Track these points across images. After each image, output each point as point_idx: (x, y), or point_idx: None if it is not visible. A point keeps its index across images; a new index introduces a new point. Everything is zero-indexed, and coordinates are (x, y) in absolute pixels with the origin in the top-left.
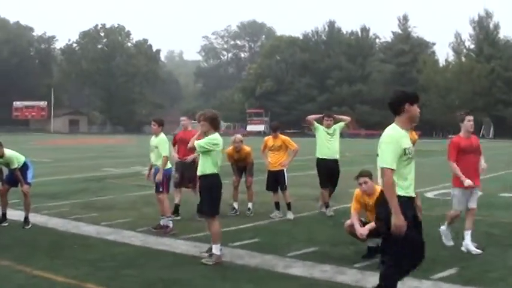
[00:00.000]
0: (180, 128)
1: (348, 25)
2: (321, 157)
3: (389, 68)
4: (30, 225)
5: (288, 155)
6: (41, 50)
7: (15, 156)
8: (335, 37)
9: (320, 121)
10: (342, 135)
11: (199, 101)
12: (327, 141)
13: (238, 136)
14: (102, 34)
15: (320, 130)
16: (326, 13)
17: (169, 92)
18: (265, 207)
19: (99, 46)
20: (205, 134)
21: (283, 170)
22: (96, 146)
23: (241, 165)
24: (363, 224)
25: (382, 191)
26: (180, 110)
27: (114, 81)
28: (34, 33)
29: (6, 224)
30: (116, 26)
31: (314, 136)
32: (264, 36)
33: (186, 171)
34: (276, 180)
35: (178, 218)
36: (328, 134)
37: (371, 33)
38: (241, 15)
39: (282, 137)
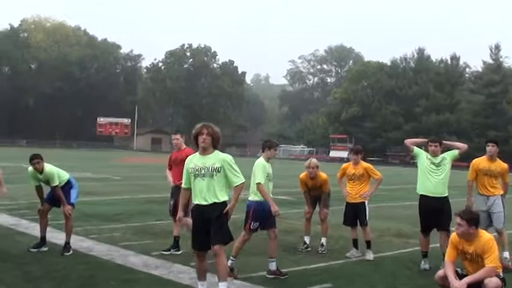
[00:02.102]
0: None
1: (438, 53)
2: (422, 193)
3: (478, 98)
4: (70, 252)
5: (370, 185)
6: (127, 67)
7: (57, 173)
8: (424, 64)
9: (423, 146)
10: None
11: (284, 125)
12: (431, 173)
13: (314, 160)
14: (188, 54)
15: (422, 158)
16: (415, 40)
17: (254, 115)
18: (341, 243)
19: (185, 66)
20: None
21: (364, 202)
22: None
23: (315, 194)
24: (459, 276)
25: (491, 239)
26: (264, 133)
27: (198, 101)
28: (121, 51)
29: (45, 249)
30: (203, 46)
31: (414, 164)
32: (351, 61)
33: None
34: (355, 214)
35: (179, 252)
36: (433, 163)
37: (461, 62)
38: (329, 39)
39: (364, 164)
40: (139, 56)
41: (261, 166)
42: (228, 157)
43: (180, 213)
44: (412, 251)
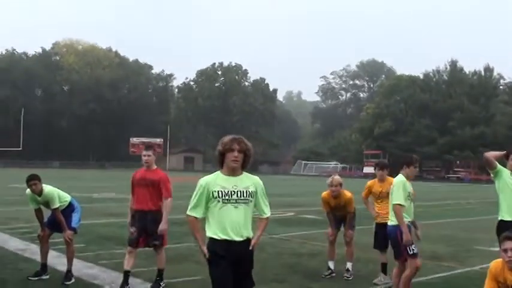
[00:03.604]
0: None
1: (471, 64)
2: (506, 219)
3: None
4: (72, 281)
5: None
6: (159, 87)
7: (57, 194)
8: (457, 77)
9: (503, 161)
10: (462, 179)
11: (316, 141)
12: None
13: (336, 178)
14: (219, 73)
15: (504, 175)
16: (448, 52)
17: (287, 132)
18: (370, 267)
19: (216, 84)
20: None
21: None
22: None
23: (339, 214)
24: None
25: None
26: (296, 150)
27: (230, 119)
28: (153, 71)
29: (46, 277)
30: (234, 64)
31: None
32: (383, 76)
33: (149, 225)
34: (385, 236)
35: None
36: None
37: (495, 73)
38: (361, 54)
39: (391, 179)
40: (170, 75)
41: (400, 184)
42: (260, 180)
43: (204, 251)
44: (447, 276)
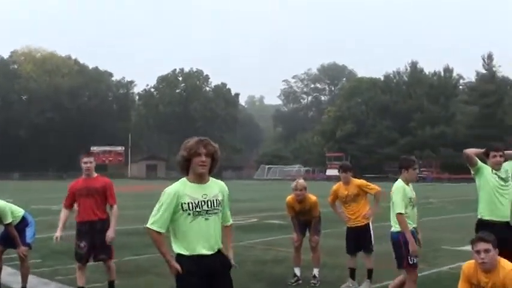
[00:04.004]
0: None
1: (431, 65)
2: (487, 218)
3: (473, 109)
4: None
5: (369, 204)
6: (120, 95)
7: (10, 209)
8: (417, 78)
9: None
10: (424, 179)
11: (279, 145)
12: (498, 191)
13: (301, 182)
14: (180, 79)
15: (486, 172)
16: (408, 54)
17: (249, 136)
18: (337, 273)
19: (177, 91)
20: None
21: (368, 224)
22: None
23: (304, 219)
24: None
25: None
26: (258, 154)
27: (192, 125)
28: (113, 78)
29: None
30: (194, 70)
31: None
32: (344, 79)
33: (97, 238)
34: (357, 240)
35: None
36: (501, 179)
37: (454, 73)
38: (322, 58)
39: (356, 181)
40: (131, 82)
41: (400, 191)
42: (225, 185)
43: (176, 268)
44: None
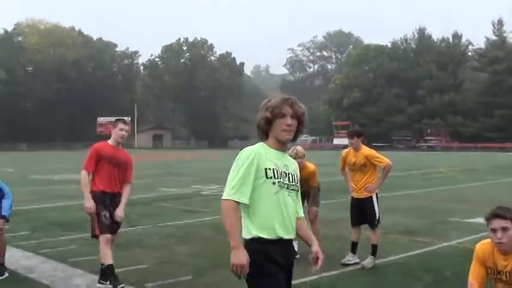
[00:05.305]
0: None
1: (439, 31)
2: None
3: (483, 76)
4: (5, 275)
5: (376, 175)
6: (124, 65)
7: None
8: (425, 44)
9: None
10: (434, 148)
11: None
12: None
13: (299, 149)
14: (185, 48)
15: None
16: (415, 19)
17: (255, 106)
18: (338, 245)
19: (182, 60)
20: None
21: (371, 197)
22: (169, 162)
23: (302, 189)
24: None
25: None
26: None
27: (197, 95)
28: (117, 49)
29: None
30: (199, 39)
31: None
32: (351, 46)
33: (113, 212)
34: (361, 212)
35: (122, 285)
36: None
37: (463, 40)
38: (328, 25)
39: (365, 150)
40: (135, 52)
41: None
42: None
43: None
44: (422, 253)
